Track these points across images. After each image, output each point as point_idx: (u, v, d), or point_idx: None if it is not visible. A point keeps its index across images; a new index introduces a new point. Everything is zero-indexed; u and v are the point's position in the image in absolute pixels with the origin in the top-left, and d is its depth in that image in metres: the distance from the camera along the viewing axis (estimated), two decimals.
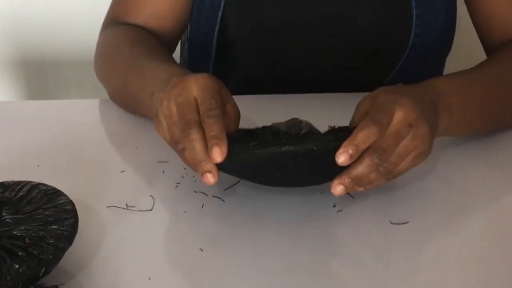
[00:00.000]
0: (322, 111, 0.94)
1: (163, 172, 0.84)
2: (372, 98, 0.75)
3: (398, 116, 0.71)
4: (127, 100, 0.95)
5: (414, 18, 0.99)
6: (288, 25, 1.02)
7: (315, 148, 0.69)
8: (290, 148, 0.69)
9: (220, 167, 0.71)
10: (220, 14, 1.03)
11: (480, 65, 0.92)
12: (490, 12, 0.99)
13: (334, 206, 0.78)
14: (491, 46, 1.02)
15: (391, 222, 0.75)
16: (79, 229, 0.68)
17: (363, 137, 0.69)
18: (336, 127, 0.75)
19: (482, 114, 0.86)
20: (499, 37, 0.98)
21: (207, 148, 0.70)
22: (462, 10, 1.05)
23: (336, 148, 0.69)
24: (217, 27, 1.04)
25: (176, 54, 1.32)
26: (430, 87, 0.81)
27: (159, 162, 0.86)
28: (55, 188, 0.72)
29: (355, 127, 0.71)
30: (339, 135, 0.71)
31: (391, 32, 1.01)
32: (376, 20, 1.00)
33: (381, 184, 0.74)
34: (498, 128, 0.92)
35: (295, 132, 0.74)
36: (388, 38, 1.01)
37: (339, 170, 0.71)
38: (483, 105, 0.86)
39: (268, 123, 0.78)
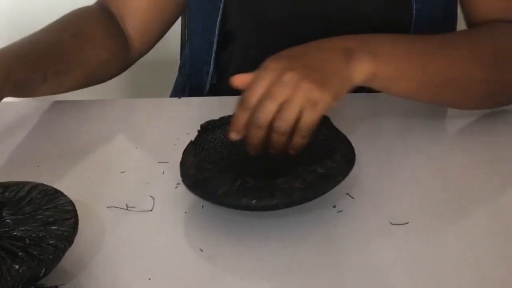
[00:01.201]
0: None
1: (163, 173, 0.84)
2: None
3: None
4: None
5: (414, 11, 1.00)
6: (289, 17, 1.02)
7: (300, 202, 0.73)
8: (281, 204, 0.72)
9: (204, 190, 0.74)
10: (221, 5, 1.03)
11: (438, 35, 0.91)
12: None
13: (334, 207, 0.78)
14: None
15: (391, 222, 0.75)
16: (79, 230, 0.68)
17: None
18: None
19: (420, 74, 0.85)
20: (479, 19, 0.98)
21: None
22: None
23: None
24: (219, 18, 1.04)
25: (176, 52, 1.32)
26: (350, 36, 0.82)
27: (159, 162, 0.86)
28: (55, 189, 0.72)
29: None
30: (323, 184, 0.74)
31: (391, 24, 1.01)
32: (376, 13, 1.00)
33: (296, 143, 0.76)
34: (448, 101, 0.91)
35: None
36: (389, 30, 1.01)
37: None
38: (423, 66, 0.85)
39: None
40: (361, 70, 0.80)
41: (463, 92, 0.89)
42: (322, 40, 0.81)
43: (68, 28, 1.01)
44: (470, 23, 1.00)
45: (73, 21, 1.03)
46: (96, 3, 1.09)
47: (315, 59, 0.78)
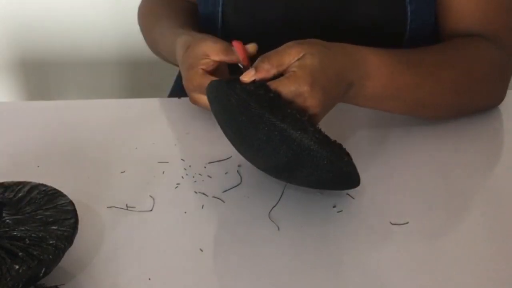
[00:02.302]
0: None
1: (163, 173, 0.84)
2: None
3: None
4: (159, 53, 1.11)
5: (409, 14, 1.00)
6: (284, 20, 1.02)
7: (312, 147, 0.72)
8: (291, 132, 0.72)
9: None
10: (220, 9, 1.03)
11: (427, 53, 0.93)
12: (447, 2, 0.99)
13: (334, 207, 0.78)
14: (445, 36, 1.01)
15: (391, 222, 0.75)
16: (79, 230, 0.68)
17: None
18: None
19: (399, 100, 0.89)
20: (454, 32, 0.98)
21: None
22: None
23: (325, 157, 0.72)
24: (219, 21, 1.04)
25: None
26: (359, 62, 0.84)
27: (159, 162, 0.86)
28: (55, 189, 0.72)
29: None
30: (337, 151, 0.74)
31: (386, 27, 1.01)
32: (371, 15, 1.00)
33: None
34: (416, 116, 0.94)
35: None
36: (384, 33, 1.01)
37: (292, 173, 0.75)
38: (402, 95, 0.88)
39: None
40: (345, 100, 0.85)
41: (433, 110, 0.93)
42: (344, 69, 0.82)
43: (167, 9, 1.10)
44: (445, 35, 1.00)
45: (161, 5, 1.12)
46: None
47: (332, 89, 0.80)
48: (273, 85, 0.78)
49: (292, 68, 0.78)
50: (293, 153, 0.72)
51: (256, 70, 0.79)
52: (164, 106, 1.01)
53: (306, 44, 0.81)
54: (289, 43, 0.82)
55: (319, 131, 0.74)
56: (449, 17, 0.99)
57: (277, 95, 0.76)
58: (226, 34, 1.05)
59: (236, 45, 0.86)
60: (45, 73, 1.85)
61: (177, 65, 1.02)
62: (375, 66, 0.85)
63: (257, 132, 0.73)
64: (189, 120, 0.93)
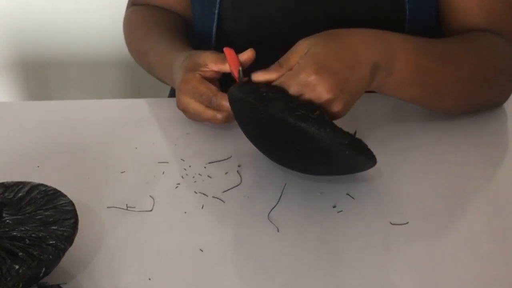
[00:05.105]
0: None
1: (163, 173, 0.84)
2: None
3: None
4: (148, 70, 1.09)
5: (407, 12, 1.00)
6: (283, 19, 1.02)
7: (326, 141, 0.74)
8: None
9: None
10: (216, 11, 1.03)
11: (445, 41, 0.94)
12: (452, 2, 0.99)
13: (334, 207, 0.78)
14: (448, 36, 1.01)
15: (391, 222, 0.75)
16: (79, 230, 0.68)
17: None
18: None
19: (425, 87, 0.88)
20: (459, 28, 0.98)
21: None
22: None
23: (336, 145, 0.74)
24: (214, 23, 1.04)
25: None
26: (379, 42, 0.84)
27: (159, 162, 0.86)
28: (55, 189, 0.72)
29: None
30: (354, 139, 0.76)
31: (384, 26, 1.01)
32: (370, 14, 1.00)
33: None
34: (438, 108, 0.93)
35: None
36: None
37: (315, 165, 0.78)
38: (428, 81, 0.87)
39: None
40: (376, 87, 0.84)
41: (452, 101, 0.92)
42: (358, 48, 0.81)
43: (158, 21, 1.10)
44: (449, 30, 1.00)
45: (155, 15, 1.11)
46: (140, 6, 1.15)
47: (347, 71, 0.80)
48: (278, 80, 0.79)
49: (298, 62, 0.79)
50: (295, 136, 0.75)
51: (267, 71, 0.81)
52: (164, 106, 1.01)
53: (313, 37, 0.82)
54: (299, 41, 0.82)
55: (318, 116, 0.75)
56: (452, 17, 0.98)
57: (281, 89, 0.78)
58: (220, 37, 1.05)
59: (227, 51, 0.87)
60: (45, 73, 1.85)
61: (164, 82, 1.04)
62: (399, 46, 0.84)
63: (252, 119, 0.78)
64: (189, 120, 0.93)
